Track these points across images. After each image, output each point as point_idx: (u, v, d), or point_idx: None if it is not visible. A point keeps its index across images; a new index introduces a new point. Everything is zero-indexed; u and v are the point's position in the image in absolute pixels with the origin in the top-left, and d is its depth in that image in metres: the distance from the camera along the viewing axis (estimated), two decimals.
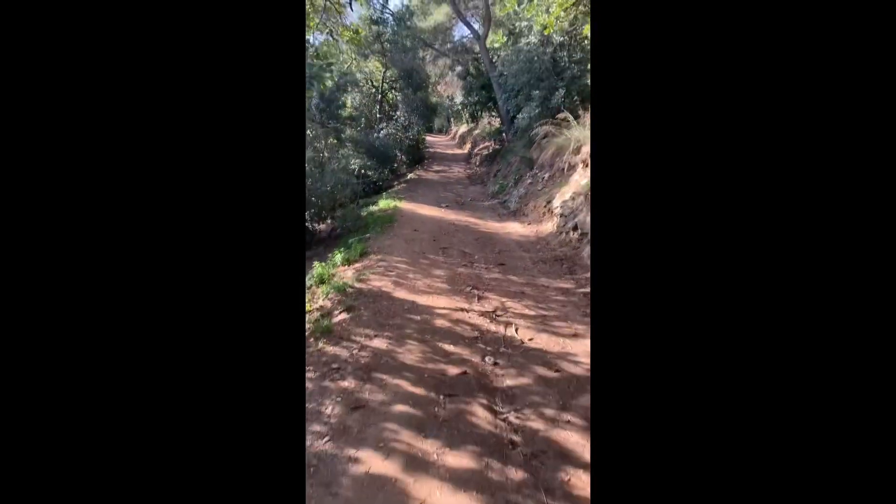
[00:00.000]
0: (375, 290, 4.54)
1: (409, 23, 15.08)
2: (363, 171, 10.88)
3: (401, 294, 4.48)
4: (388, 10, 15.88)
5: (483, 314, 4.15)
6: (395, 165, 16.76)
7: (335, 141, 11.32)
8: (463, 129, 25.77)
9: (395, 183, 14.06)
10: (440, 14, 14.15)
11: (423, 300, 4.37)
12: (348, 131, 14.18)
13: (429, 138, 24.53)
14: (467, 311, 4.21)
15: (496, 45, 13.63)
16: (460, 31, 15.13)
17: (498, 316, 4.13)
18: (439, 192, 11.96)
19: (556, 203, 7.50)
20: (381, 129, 16.33)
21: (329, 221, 8.55)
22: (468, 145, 21.89)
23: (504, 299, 4.53)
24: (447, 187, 12.86)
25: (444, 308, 4.21)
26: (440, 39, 14.77)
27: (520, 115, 9.77)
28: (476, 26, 13.08)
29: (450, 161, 19.14)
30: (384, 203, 9.55)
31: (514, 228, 8.05)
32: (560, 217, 7.18)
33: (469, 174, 15.47)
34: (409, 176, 15.05)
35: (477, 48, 14.13)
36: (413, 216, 8.56)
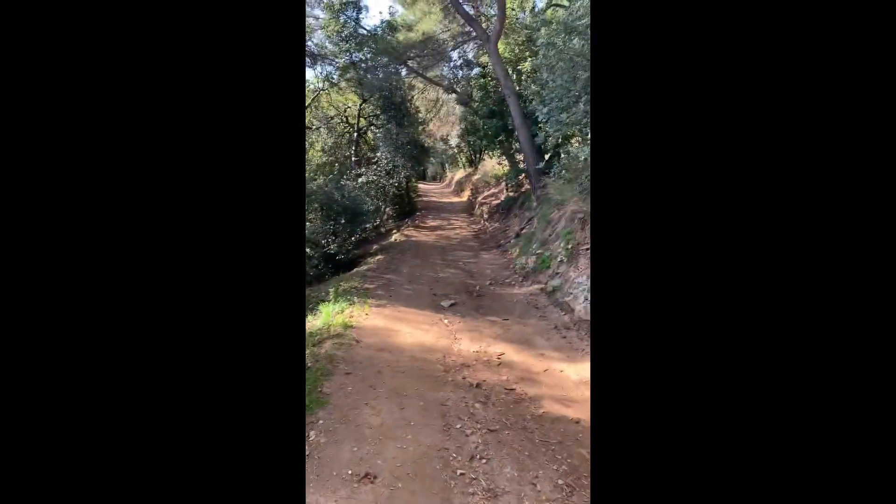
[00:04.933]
0: None
1: (389, 38, 10.57)
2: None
3: None
4: (362, 28, 11.41)
5: None
6: (378, 222, 11.84)
7: None
8: (460, 174, 21.13)
9: (373, 249, 9.04)
10: (430, 21, 9.73)
11: None
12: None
13: (421, 186, 19.74)
14: None
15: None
16: (458, 46, 10.67)
17: None
18: (437, 268, 6.87)
19: None
20: (360, 174, 11.49)
21: None
22: (467, 192, 17.10)
23: None
24: (448, 256, 7.82)
25: None
26: (429, 57, 10.19)
27: (576, 141, 4.76)
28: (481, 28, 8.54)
29: (447, 212, 14.17)
30: (328, 313, 4.39)
31: None
32: None
33: (476, 231, 10.46)
34: (394, 237, 10.04)
35: (483, 59, 9.56)
36: (378, 363, 3.39)
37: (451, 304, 5.05)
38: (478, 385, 3.15)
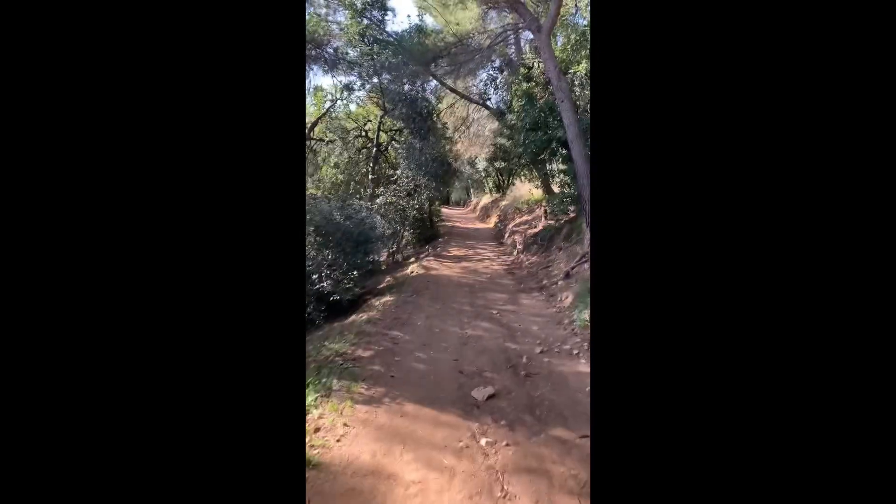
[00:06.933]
0: None
1: (417, 41, 9.00)
2: None
3: None
4: (387, 33, 9.91)
5: None
6: (394, 248, 10.04)
7: None
8: (485, 199, 19.29)
9: (384, 283, 7.17)
10: (467, 19, 8.07)
11: None
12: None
13: (444, 210, 17.95)
14: None
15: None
16: (496, 44, 8.97)
17: None
18: (463, 319, 4.91)
19: None
20: (377, 195, 9.80)
21: None
22: (494, 218, 15.20)
23: None
24: (477, 299, 5.86)
25: None
26: (463, 60, 8.53)
27: None
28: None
29: (473, 240, 12.22)
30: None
31: None
32: None
33: (509, 265, 8.47)
34: (411, 268, 8.16)
35: (528, 58, 7.79)
36: None
37: (489, 397, 3.07)
38: None
